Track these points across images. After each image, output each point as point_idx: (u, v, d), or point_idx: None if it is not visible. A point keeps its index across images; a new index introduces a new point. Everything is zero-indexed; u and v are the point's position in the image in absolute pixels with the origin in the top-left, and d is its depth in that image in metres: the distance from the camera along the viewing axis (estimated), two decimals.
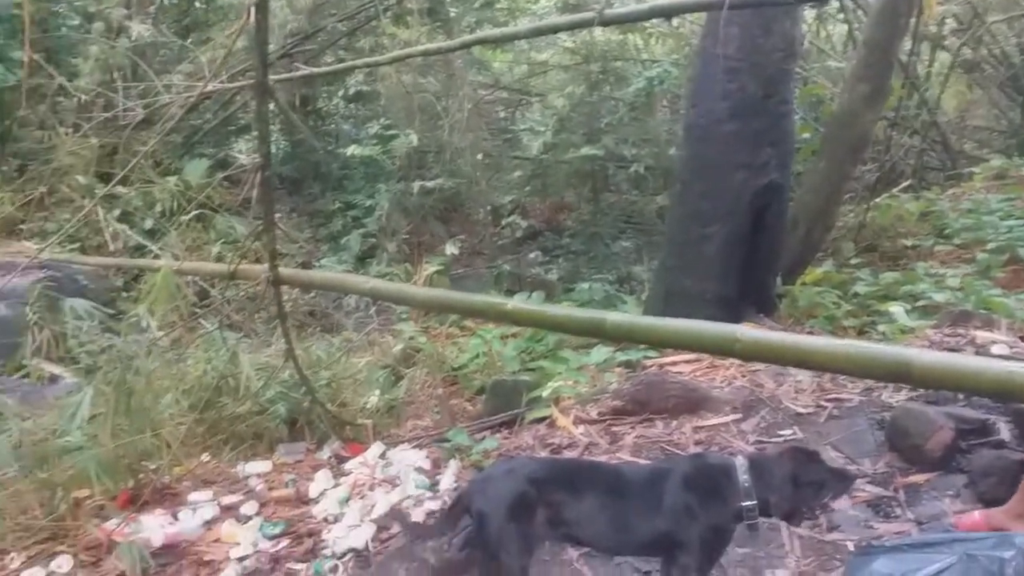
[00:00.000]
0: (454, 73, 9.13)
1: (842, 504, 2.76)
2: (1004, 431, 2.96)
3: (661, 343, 2.58)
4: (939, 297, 5.15)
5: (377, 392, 5.06)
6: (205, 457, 4.20)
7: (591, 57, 9.02)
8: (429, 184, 8.35)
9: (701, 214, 5.11)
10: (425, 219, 9.11)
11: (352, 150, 8.56)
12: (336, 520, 3.46)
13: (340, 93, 9.30)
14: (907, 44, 6.62)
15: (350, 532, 3.29)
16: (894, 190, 8.74)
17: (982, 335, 4.21)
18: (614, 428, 3.35)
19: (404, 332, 5.98)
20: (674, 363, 3.98)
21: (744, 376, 3.70)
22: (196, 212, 7.36)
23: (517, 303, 2.01)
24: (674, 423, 3.35)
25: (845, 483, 2.29)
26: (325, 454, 4.22)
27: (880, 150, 9.68)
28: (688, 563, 2.19)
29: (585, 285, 7.41)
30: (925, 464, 2.87)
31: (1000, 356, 3.79)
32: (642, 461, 3.08)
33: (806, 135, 7.82)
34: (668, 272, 5.43)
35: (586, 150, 7.81)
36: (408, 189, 8.44)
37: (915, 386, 2.90)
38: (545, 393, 4.16)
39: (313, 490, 3.73)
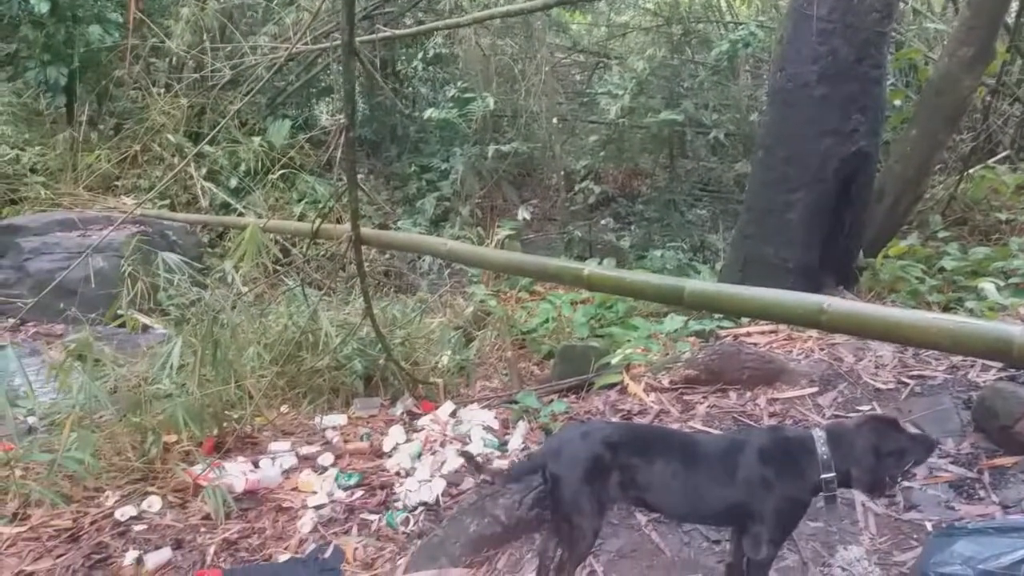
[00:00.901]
0: (532, 35, 9.05)
1: (922, 482, 2.69)
2: None
3: (743, 312, 2.52)
4: None
5: (449, 352, 5.16)
6: (285, 408, 4.39)
7: (673, 19, 8.79)
8: (504, 148, 8.34)
9: (785, 180, 4.96)
10: (499, 184, 9.12)
11: (429, 113, 8.61)
12: (408, 474, 3.57)
13: (419, 56, 9.33)
14: (1015, 5, 6.21)
15: (421, 486, 3.40)
16: (990, 161, 8.26)
17: None
18: (686, 397, 3.33)
19: (476, 295, 6.05)
20: (749, 334, 3.92)
21: (823, 349, 3.61)
22: (280, 172, 7.56)
23: (594, 268, 2.00)
24: (748, 394, 3.31)
25: (927, 449, 2.20)
26: (398, 410, 4.34)
27: (978, 118, 9.17)
28: (760, 532, 2.15)
29: (658, 253, 7.32)
30: (1014, 446, 2.76)
31: None
32: (714, 431, 3.06)
33: (897, 102, 7.46)
34: (746, 240, 5.30)
35: (665, 115, 7.63)
36: (483, 153, 8.46)
37: (1015, 365, 2.74)
38: (615, 360, 4.16)
39: (387, 444, 3.85)
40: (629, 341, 4.81)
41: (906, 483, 2.68)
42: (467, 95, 8.51)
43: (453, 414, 4.17)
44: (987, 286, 4.71)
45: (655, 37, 8.99)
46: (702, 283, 1.84)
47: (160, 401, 3.71)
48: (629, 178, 10.22)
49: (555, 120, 8.59)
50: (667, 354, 3.85)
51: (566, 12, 10.89)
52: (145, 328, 5.45)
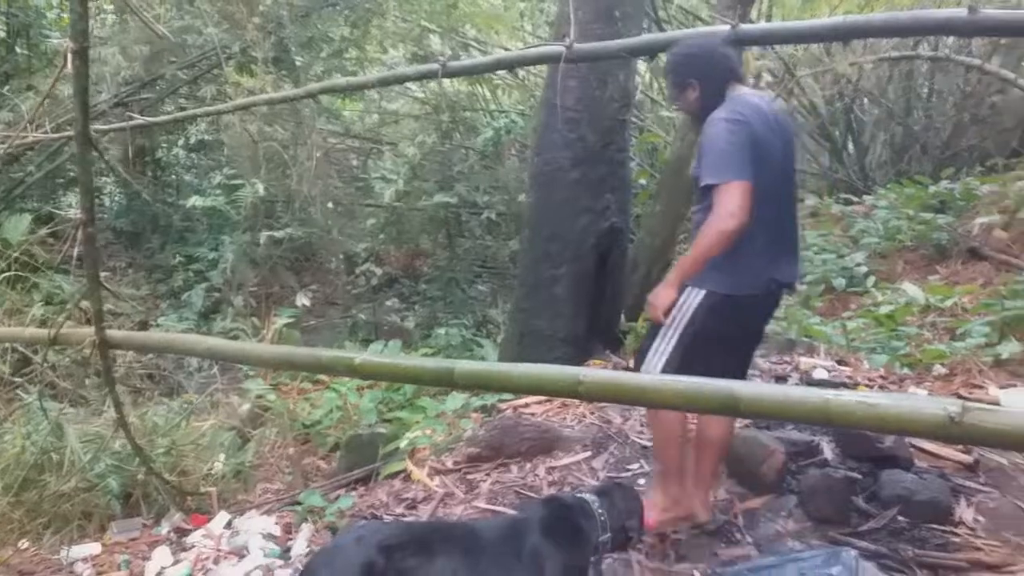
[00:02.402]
0: (302, 121, 8.99)
1: (688, 532, 2.88)
2: (827, 451, 3.21)
3: (512, 388, 2.60)
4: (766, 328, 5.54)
5: (222, 457, 4.78)
6: (25, 544, 3.79)
7: (441, 107, 9.16)
8: (278, 234, 8.09)
9: (549, 257, 5.27)
10: (274, 270, 8.80)
11: (194, 201, 8.17)
12: None
13: (180, 143, 8.89)
14: None
15: None
16: None
17: (805, 361, 4.59)
18: (469, 476, 3.33)
19: (251, 391, 5.70)
20: (527, 404, 4.04)
21: (593, 413, 3.81)
22: (15, 272, 6.74)
23: (366, 356, 1.96)
24: (528, 465, 3.38)
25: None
26: (164, 529, 3.93)
27: None
28: None
29: (442, 331, 7.40)
30: (761, 488, 3.05)
31: (820, 380, 4.14)
32: (499, 508, 3.08)
33: (643, 181, 8.29)
34: (521, 314, 5.53)
35: (439, 197, 7.87)
36: (255, 240, 8.14)
37: (743, 417, 3.06)
38: (402, 444, 4.09)
39: (149, 570, 3.45)
40: (418, 423, 4.77)
41: (675, 535, 2.86)
42: (235, 181, 8.21)
43: (228, 525, 3.85)
44: None
45: (425, 124, 9.30)
46: (471, 364, 1.87)
47: None
48: (411, 258, 10.32)
49: (331, 204, 8.51)
50: (451, 434, 3.86)
51: (337, 99, 10.99)
52: None
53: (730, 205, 2.45)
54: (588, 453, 3.44)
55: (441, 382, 2.35)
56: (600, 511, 2.26)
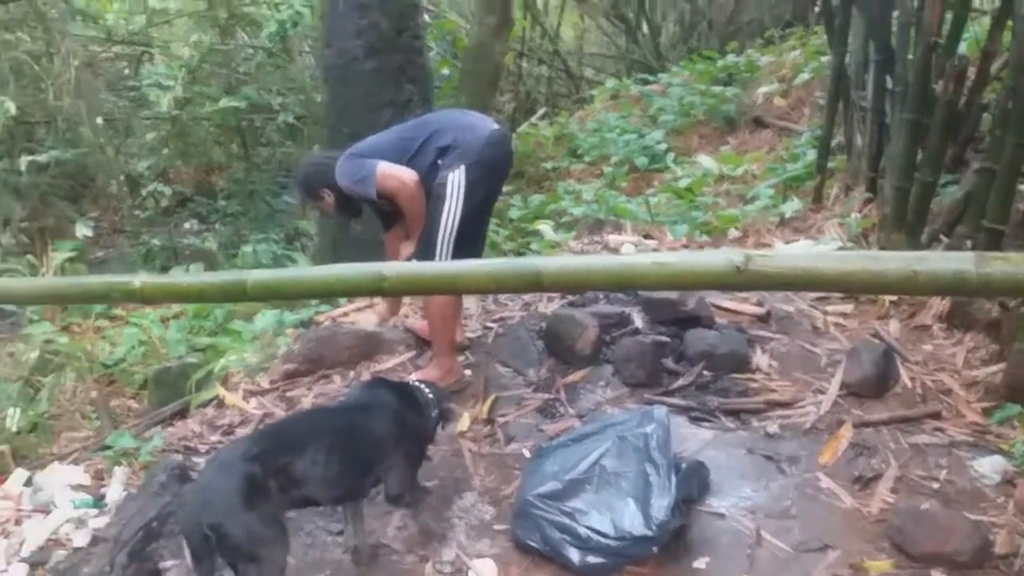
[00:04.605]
0: (51, 27, 7.82)
1: (515, 414, 2.96)
2: (637, 320, 3.37)
3: (309, 294, 2.47)
4: (577, 211, 5.72)
5: (12, 411, 4.29)
6: None
7: (217, 1, 8.29)
8: (41, 158, 7.13)
9: None
10: (45, 200, 7.81)
11: None
12: None
13: None
14: None
15: None
16: (533, 119, 9.45)
17: (614, 238, 4.78)
18: (289, 393, 3.19)
19: (35, 335, 5.10)
20: (346, 314, 3.91)
21: (417, 313, 3.75)
22: None
23: (146, 278, 1.73)
24: (352, 374, 3.30)
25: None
26: None
27: (514, 80, 10.36)
28: (403, 479, 2.30)
29: (249, 248, 6.96)
30: (579, 362, 3.16)
31: (628, 255, 4.33)
32: None
33: (445, 71, 8.07)
34: (332, 221, 5.28)
35: (224, 101, 7.20)
36: (14, 167, 7.13)
37: (549, 291, 3.25)
38: (216, 369, 3.85)
39: None
40: (233, 347, 4.50)
41: (503, 418, 2.93)
42: None
43: (28, 482, 3.48)
44: (543, 227, 5.39)
45: (200, 22, 8.40)
46: (264, 273, 1.70)
47: None
48: (204, 174, 9.53)
49: (100, 120, 7.57)
50: (265, 354, 3.67)
51: (95, 0, 9.64)
52: None
53: (390, 178, 2.94)
54: (412, 353, 3.39)
55: (232, 296, 2.16)
56: (427, 391, 2.46)
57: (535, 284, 1.49)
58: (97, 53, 9.76)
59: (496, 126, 3.12)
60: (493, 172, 3.09)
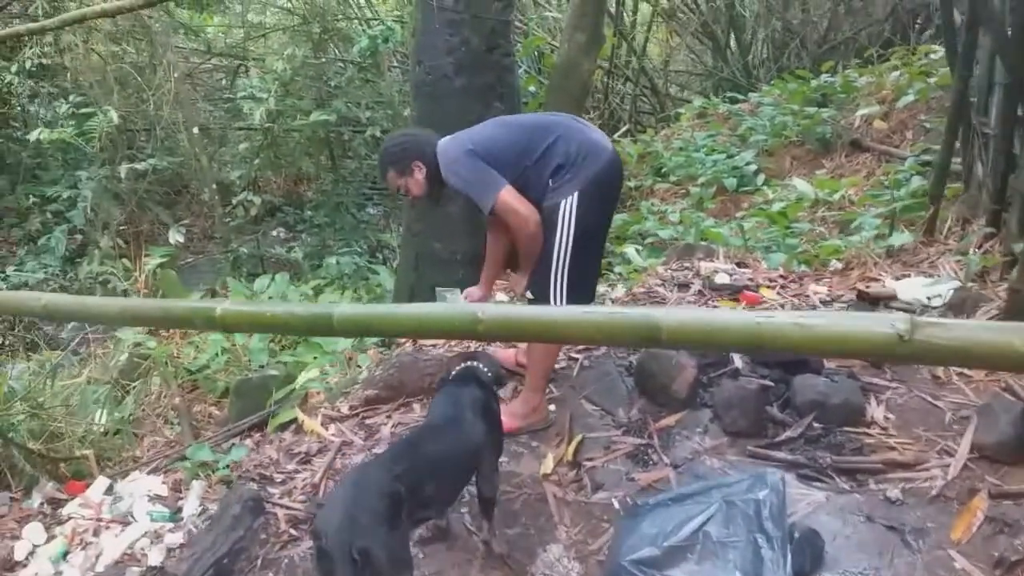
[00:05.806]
0: (154, 40, 8.11)
1: (603, 459, 2.77)
2: (738, 360, 3.14)
3: (400, 333, 2.39)
4: (664, 234, 5.49)
5: (99, 415, 4.36)
6: None
7: (310, 17, 8.44)
8: (140, 166, 7.36)
9: None
10: (142, 206, 8.08)
11: (39, 134, 7.24)
12: None
13: (13, 69, 7.82)
14: None
15: None
16: (615, 135, 9.26)
17: (705, 265, 4.53)
18: (368, 421, 3.09)
19: (125, 339, 5.21)
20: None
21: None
22: None
23: (227, 306, 1.66)
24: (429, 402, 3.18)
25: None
26: (35, 501, 3.53)
27: (600, 98, 10.20)
28: (495, 480, 2.37)
29: (333, 260, 7.00)
30: (674, 404, 2.94)
31: (723, 285, 4.08)
32: None
33: (532, 88, 7.98)
34: (414, 237, 5.22)
35: (316, 115, 7.29)
36: (115, 173, 7.38)
37: (667, 348, 2.90)
38: (296, 387, 3.81)
39: (19, 551, 3.09)
40: (316, 359, 4.47)
41: (589, 463, 2.74)
42: (85, 110, 7.34)
43: (109, 490, 3.49)
44: (629, 251, 5.18)
45: (294, 36, 8.57)
46: (352, 307, 1.61)
47: None
48: (293, 184, 9.72)
49: (196, 129, 7.78)
50: (346, 374, 3.59)
51: (195, 14, 9.99)
52: None
53: (511, 212, 2.75)
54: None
55: (318, 331, 2.07)
56: (484, 369, 2.55)
57: (652, 340, 1.32)
58: (196, 65, 10.12)
59: (611, 147, 2.91)
60: (608, 200, 2.91)
